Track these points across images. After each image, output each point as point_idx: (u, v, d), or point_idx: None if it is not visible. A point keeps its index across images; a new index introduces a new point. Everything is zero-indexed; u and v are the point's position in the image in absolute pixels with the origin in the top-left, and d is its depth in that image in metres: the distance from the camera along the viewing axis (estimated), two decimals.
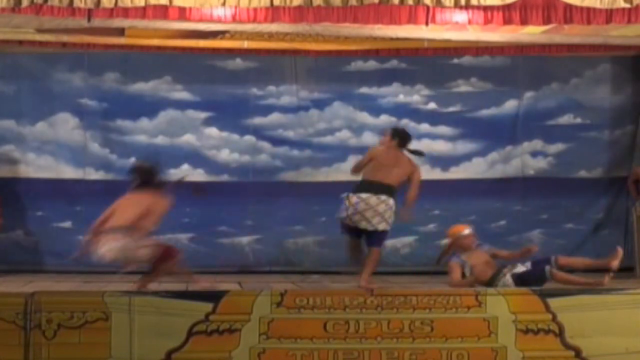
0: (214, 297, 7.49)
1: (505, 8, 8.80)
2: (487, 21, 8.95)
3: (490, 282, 8.81)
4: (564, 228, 11.79)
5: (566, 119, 12.00)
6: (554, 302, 7.60)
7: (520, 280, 8.74)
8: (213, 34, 10.73)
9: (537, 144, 11.99)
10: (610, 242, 11.76)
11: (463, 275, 9.08)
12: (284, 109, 11.94)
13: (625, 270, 10.96)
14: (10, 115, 11.62)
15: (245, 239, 11.80)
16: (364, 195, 9.37)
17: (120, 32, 10.64)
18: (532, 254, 9.23)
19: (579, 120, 12.01)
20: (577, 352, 7.58)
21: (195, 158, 11.82)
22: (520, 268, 8.90)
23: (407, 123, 11.90)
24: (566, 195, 11.81)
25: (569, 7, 8.80)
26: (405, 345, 7.49)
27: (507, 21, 8.97)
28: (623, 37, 10.58)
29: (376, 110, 11.97)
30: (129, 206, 8.50)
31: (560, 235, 11.82)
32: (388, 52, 11.68)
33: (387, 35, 10.60)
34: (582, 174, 11.94)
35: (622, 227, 11.76)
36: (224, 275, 10.80)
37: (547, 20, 9.00)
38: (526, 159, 11.98)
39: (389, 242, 11.84)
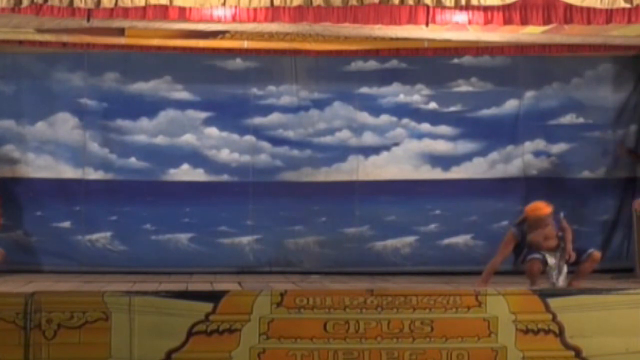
0: (214, 297, 7.48)
1: (505, 8, 8.80)
2: (487, 21, 8.95)
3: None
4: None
5: (568, 118, 11.98)
6: (554, 302, 7.59)
7: None
8: (213, 34, 10.74)
9: (539, 143, 11.97)
10: (615, 243, 11.77)
11: (516, 247, 9.06)
12: (284, 109, 11.93)
13: (625, 270, 10.98)
14: (10, 115, 11.62)
15: (245, 239, 11.79)
16: None
17: (120, 32, 10.65)
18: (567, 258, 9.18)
19: (581, 120, 12.00)
20: (577, 352, 7.57)
21: (195, 158, 11.82)
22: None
23: (407, 123, 11.93)
24: (569, 195, 11.77)
25: (569, 7, 8.80)
26: (405, 345, 7.48)
27: (507, 21, 8.97)
28: (623, 37, 10.58)
29: (376, 110, 11.96)
30: None
31: None
32: (388, 52, 11.68)
33: (387, 35, 10.61)
34: (586, 174, 11.92)
35: (625, 228, 11.72)
36: (224, 275, 10.82)
37: (547, 20, 9.00)
38: (528, 158, 11.97)
39: (389, 242, 11.90)
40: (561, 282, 9.03)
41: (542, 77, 12.00)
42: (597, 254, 9.13)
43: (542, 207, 9.24)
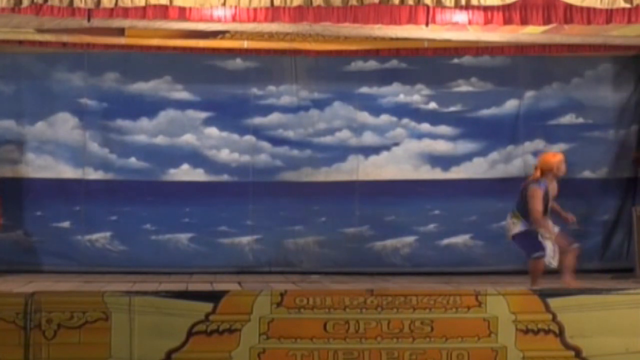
0: (214, 297, 7.48)
1: (505, 8, 8.80)
2: (487, 21, 8.95)
3: None
4: (568, 229, 11.75)
5: (568, 118, 11.98)
6: (554, 302, 7.59)
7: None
8: (213, 34, 10.74)
9: (539, 143, 11.96)
10: (616, 243, 11.76)
11: (544, 200, 9.14)
12: (284, 109, 11.93)
13: (625, 270, 10.98)
14: (10, 115, 11.62)
15: (245, 239, 11.79)
16: None
17: (120, 32, 10.65)
18: (569, 222, 9.32)
19: (581, 120, 12.00)
20: (577, 352, 7.57)
21: (195, 158, 11.82)
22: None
23: (407, 123, 11.92)
24: (570, 196, 11.72)
25: (569, 7, 8.80)
26: (405, 345, 7.48)
27: (507, 21, 8.97)
28: (623, 37, 10.58)
29: (376, 110, 11.96)
30: None
31: None
32: (388, 52, 11.68)
33: (387, 35, 10.61)
34: (587, 174, 11.90)
35: (626, 228, 11.71)
36: (224, 275, 10.82)
37: (547, 20, 9.00)
38: (528, 158, 11.94)
39: (389, 242, 11.89)
40: (555, 262, 9.07)
41: (542, 77, 12.00)
42: (576, 247, 9.18)
43: (554, 154, 9.49)
